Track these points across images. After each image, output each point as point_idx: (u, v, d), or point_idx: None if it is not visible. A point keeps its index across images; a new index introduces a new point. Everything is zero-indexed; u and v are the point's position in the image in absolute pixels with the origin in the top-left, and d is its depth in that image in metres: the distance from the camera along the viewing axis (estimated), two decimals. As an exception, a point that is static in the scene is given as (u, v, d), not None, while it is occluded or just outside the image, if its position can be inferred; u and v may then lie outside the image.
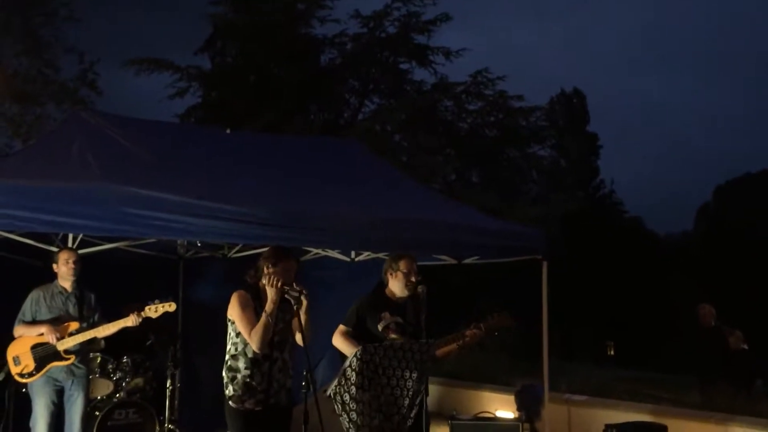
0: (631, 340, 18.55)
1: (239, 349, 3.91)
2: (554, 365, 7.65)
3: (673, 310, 18.61)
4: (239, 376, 3.89)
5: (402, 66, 17.89)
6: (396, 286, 4.35)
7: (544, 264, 6.66)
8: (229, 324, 4.00)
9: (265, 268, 4.01)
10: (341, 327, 4.22)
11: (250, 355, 3.88)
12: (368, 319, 4.18)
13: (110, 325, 5.15)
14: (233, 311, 3.93)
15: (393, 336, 4.10)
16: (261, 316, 3.85)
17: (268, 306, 3.83)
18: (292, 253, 4.27)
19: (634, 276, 23.04)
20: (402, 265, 4.33)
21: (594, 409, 7.15)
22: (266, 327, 3.79)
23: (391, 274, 4.38)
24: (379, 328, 4.13)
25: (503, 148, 18.08)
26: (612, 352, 17.42)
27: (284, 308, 3.97)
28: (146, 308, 5.13)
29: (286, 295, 3.86)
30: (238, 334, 3.93)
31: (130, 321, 5.10)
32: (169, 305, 5.16)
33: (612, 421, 5.85)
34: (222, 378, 4.02)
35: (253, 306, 3.92)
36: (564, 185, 21.47)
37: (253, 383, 3.85)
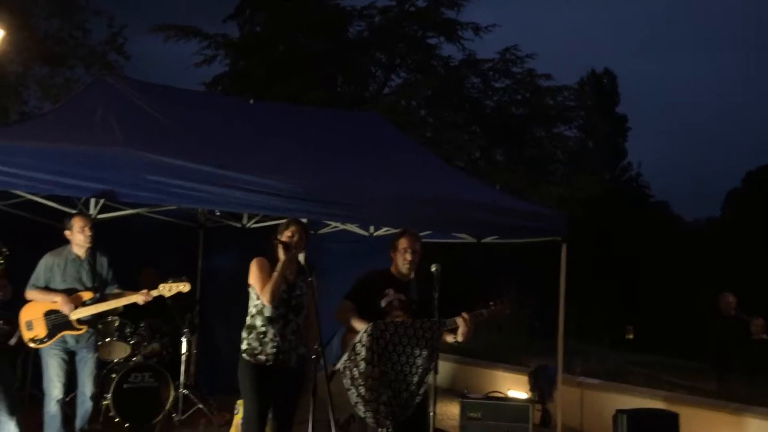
0: (651, 325, 18.43)
1: (258, 309, 4.16)
2: (571, 347, 7.66)
3: (695, 297, 18.42)
4: (255, 331, 4.14)
5: (430, 41, 17.69)
6: (397, 263, 4.34)
7: (564, 246, 6.63)
8: (250, 290, 4.22)
9: (275, 240, 4.24)
10: (345, 302, 4.25)
11: (267, 314, 4.13)
12: (371, 295, 4.18)
13: (121, 299, 5.14)
14: (251, 275, 4.18)
15: (396, 313, 4.09)
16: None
17: (279, 264, 4.09)
18: (298, 221, 4.41)
19: (657, 260, 22.82)
20: (401, 242, 4.32)
21: (607, 393, 7.13)
22: (276, 282, 4.06)
23: (393, 251, 4.36)
24: (382, 304, 4.13)
25: (529, 127, 17.88)
26: (631, 336, 17.30)
27: (304, 279, 4.20)
28: (160, 286, 5.09)
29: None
30: (258, 297, 4.16)
31: (140, 299, 5.07)
32: (184, 285, 5.09)
33: (624, 406, 5.82)
34: (240, 338, 4.23)
35: (269, 270, 4.14)
36: (590, 166, 21.17)
37: (266, 339, 4.10)
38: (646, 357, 12.58)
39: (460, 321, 3.98)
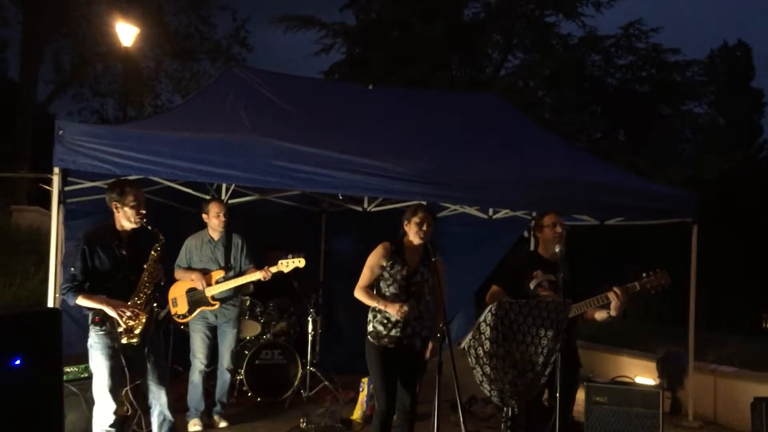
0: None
1: (382, 294, 4.23)
2: (701, 334, 7.29)
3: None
4: (379, 315, 4.23)
5: (548, 19, 17.27)
6: (543, 242, 4.35)
7: (695, 228, 6.33)
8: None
9: (404, 224, 4.26)
10: (494, 288, 4.30)
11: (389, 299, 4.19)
12: (519, 278, 4.21)
13: (245, 277, 5.47)
14: (369, 259, 4.25)
15: (545, 294, 4.09)
16: (396, 269, 4.17)
17: (379, 303, 4.17)
18: (426, 207, 4.35)
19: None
20: (547, 219, 4.34)
21: (743, 381, 6.73)
22: (369, 301, 4.21)
23: (539, 231, 4.37)
24: (531, 286, 4.14)
25: (655, 106, 17.11)
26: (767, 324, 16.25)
27: (427, 264, 4.20)
28: (279, 262, 5.40)
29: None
30: (384, 279, 4.22)
31: (261, 275, 5.38)
32: (299, 261, 5.38)
33: (762, 395, 5.50)
34: (363, 318, 4.35)
35: (381, 264, 4.21)
36: (721, 145, 20.02)
37: (389, 324, 4.18)
38: (785, 346, 11.78)
39: (612, 295, 3.92)
